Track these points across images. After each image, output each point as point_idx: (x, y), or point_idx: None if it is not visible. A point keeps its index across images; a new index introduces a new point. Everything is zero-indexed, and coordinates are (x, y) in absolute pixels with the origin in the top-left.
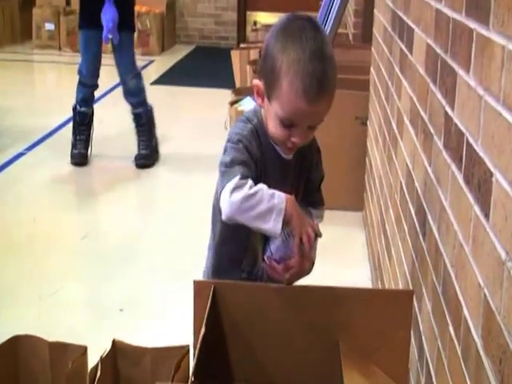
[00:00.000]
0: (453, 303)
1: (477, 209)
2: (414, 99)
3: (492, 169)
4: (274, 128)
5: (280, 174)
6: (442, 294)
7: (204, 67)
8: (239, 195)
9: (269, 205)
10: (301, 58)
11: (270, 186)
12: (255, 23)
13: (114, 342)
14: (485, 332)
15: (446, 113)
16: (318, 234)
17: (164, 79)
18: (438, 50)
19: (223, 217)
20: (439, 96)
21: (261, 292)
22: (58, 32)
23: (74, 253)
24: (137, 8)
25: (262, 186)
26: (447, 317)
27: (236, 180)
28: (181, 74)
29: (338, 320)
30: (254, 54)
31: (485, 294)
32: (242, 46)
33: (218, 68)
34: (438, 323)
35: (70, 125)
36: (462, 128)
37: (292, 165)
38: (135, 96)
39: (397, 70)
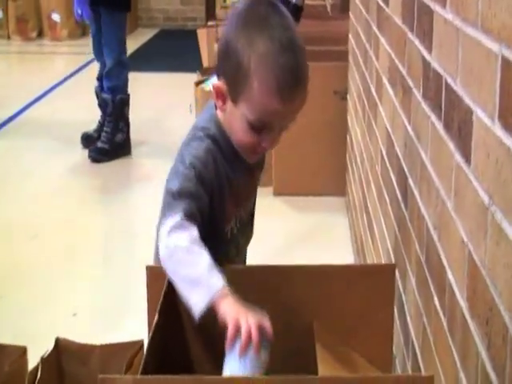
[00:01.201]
0: (436, 270)
1: (458, 157)
2: (392, 55)
3: (472, 106)
4: (240, 133)
5: (247, 183)
6: (426, 262)
7: (169, 51)
8: (177, 240)
9: (203, 275)
10: (270, 50)
11: (238, 200)
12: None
13: (57, 340)
14: (470, 292)
15: (423, 59)
16: (267, 337)
17: None
18: None
19: (160, 256)
20: (417, 43)
21: (225, 273)
22: (7, 19)
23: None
24: None
25: (204, 252)
26: (431, 287)
27: (177, 219)
28: (143, 59)
29: (312, 300)
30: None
31: (469, 251)
32: (209, 24)
33: (185, 51)
34: (422, 297)
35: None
36: (440, 70)
37: (254, 170)
38: (110, 80)
39: (374, 27)
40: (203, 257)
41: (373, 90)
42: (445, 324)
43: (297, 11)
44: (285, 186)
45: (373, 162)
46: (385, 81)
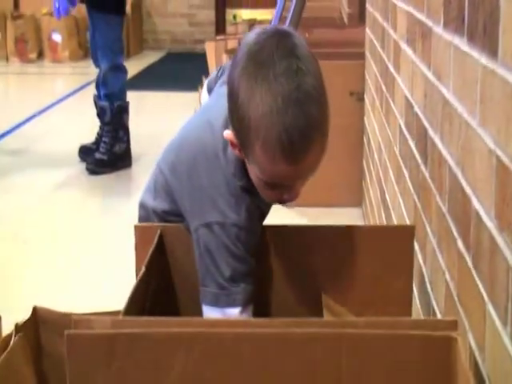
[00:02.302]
0: (460, 208)
1: (484, 60)
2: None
3: None
4: (259, 187)
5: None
6: (448, 211)
7: (176, 73)
8: None
9: None
10: (270, 109)
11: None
12: (234, 17)
13: (34, 309)
14: (498, 208)
15: None
16: None
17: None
18: None
19: None
20: None
21: None
22: (5, 40)
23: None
24: None
25: None
26: (454, 233)
27: (237, 312)
28: (148, 79)
29: (320, 267)
30: (232, 44)
31: (496, 156)
32: (218, 38)
33: (192, 73)
34: (444, 252)
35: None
36: None
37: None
38: (106, 86)
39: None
40: None
41: (391, 59)
42: (470, 263)
43: None
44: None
45: (391, 146)
46: (403, 44)
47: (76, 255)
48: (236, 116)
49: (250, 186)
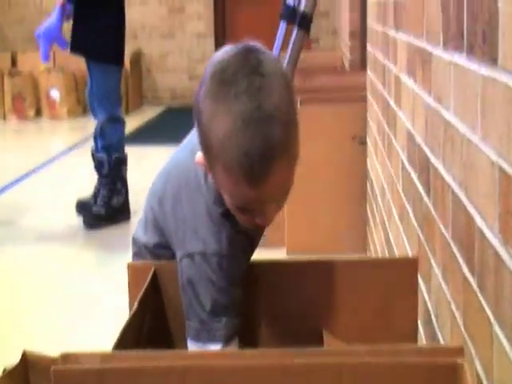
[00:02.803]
0: (464, 230)
1: (484, 71)
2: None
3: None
4: (233, 212)
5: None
6: (452, 238)
7: (176, 127)
8: None
9: None
10: (230, 130)
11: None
12: None
13: (24, 353)
14: (502, 219)
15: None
16: None
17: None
18: None
19: None
20: None
21: None
22: (2, 97)
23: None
24: None
25: None
26: (459, 259)
27: (218, 348)
28: (147, 134)
29: (320, 302)
30: None
31: (500, 168)
32: None
33: (192, 128)
34: (449, 282)
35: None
36: None
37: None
38: (103, 138)
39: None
40: None
41: (392, 101)
42: (475, 286)
43: (306, 21)
44: (299, 243)
45: (393, 184)
46: (403, 76)
47: (72, 307)
48: (201, 138)
49: (231, 212)
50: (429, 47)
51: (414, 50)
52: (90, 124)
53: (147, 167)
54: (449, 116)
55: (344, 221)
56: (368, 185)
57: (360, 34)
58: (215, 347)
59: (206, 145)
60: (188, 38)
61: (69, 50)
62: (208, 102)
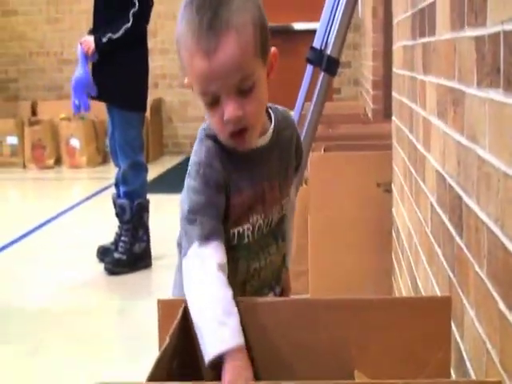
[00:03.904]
0: (502, 267)
1: None
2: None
3: None
4: (210, 119)
5: (254, 169)
6: (487, 274)
7: None
8: (198, 270)
9: (211, 328)
10: (190, 14)
11: (248, 203)
12: None
13: None
14: None
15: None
16: None
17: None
18: None
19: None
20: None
21: (247, 308)
22: (22, 146)
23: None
24: None
25: (226, 293)
26: (495, 296)
27: (195, 248)
28: (168, 183)
29: (351, 341)
30: None
31: None
32: None
33: None
34: (484, 321)
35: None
36: None
37: (266, 154)
38: (126, 184)
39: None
40: (220, 301)
41: (420, 145)
42: None
43: (333, 64)
44: (322, 291)
45: (422, 228)
46: (433, 119)
47: (96, 353)
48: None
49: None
50: (461, 86)
51: (444, 91)
52: (109, 173)
53: (167, 215)
54: (483, 153)
55: (368, 268)
56: (393, 232)
57: (383, 83)
58: (192, 250)
59: (178, 51)
60: None
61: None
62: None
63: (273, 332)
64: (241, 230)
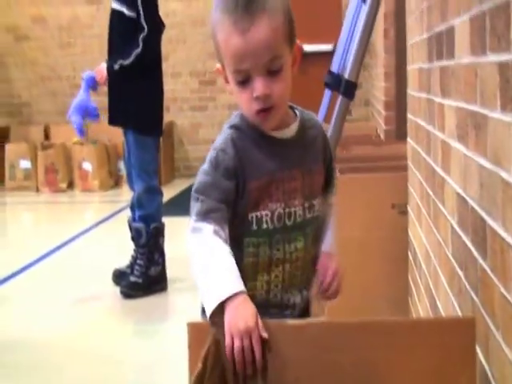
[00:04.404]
0: None
1: None
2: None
3: None
4: (238, 99)
5: (275, 158)
6: None
7: None
8: (195, 239)
9: (214, 282)
10: (224, 3)
11: (272, 190)
12: None
13: None
14: None
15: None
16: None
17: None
18: None
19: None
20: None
21: (273, 330)
22: (35, 170)
23: None
24: None
25: (226, 255)
26: None
27: (192, 223)
28: (180, 205)
29: (374, 362)
30: None
31: None
32: None
33: None
34: (511, 343)
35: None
36: None
37: (289, 146)
38: (141, 208)
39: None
40: (220, 261)
41: (438, 168)
42: None
43: (351, 88)
44: (338, 313)
45: (441, 250)
46: (453, 142)
47: (112, 377)
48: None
49: (243, 123)
50: (483, 110)
51: (464, 115)
52: (122, 196)
53: (179, 238)
54: (507, 176)
55: (384, 289)
56: (410, 254)
57: (395, 104)
58: (190, 224)
59: (214, 37)
60: (219, 110)
61: (107, 123)
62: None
63: (298, 354)
64: (259, 214)
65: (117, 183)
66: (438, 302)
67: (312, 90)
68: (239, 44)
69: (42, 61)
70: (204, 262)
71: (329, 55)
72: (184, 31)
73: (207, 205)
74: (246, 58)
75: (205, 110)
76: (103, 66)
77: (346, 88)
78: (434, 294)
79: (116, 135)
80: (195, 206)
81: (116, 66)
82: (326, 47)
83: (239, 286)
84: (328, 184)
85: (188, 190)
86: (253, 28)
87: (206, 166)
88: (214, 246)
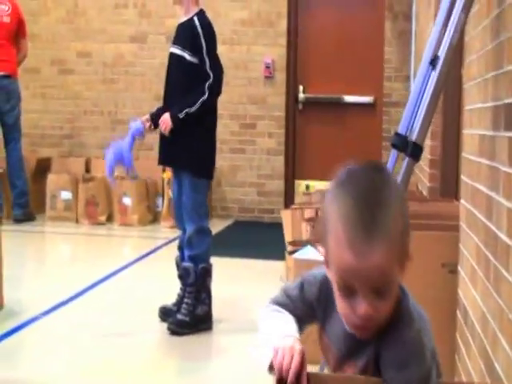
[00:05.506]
0: None
1: None
2: None
3: None
4: (338, 301)
5: (340, 345)
6: None
7: (245, 240)
8: (270, 311)
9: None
10: (347, 205)
11: (330, 347)
12: (307, 187)
13: None
14: None
15: None
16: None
17: None
18: None
19: None
20: None
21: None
22: (76, 202)
23: None
24: (164, 175)
25: (288, 322)
26: None
27: (271, 305)
28: (218, 246)
29: None
30: (309, 213)
31: None
32: (292, 206)
33: (261, 242)
34: None
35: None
36: None
37: (362, 346)
38: (191, 248)
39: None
40: (280, 320)
41: (503, 234)
42: None
43: (417, 150)
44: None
45: (503, 314)
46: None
47: None
48: (321, 223)
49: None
50: None
51: None
52: (159, 232)
53: (218, 278)
54: None
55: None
56: (459, 313)
57: (441, 163)
58: (270, 303)
59: (323, 223)
60: (258, 154)
61: (160, 163)
62: (332, 189)
63: None
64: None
65: (155, 219)
66: (495, 364)
67: (348, 139)
68: (351, 263)
69: (85, 95)
70: (265, 325)
71: (369, 107)
72: (227, 74)
73: (282, 299)
74: (355, 278)
75: (244, 152)
76: (166, 116)
77: (413, 150)
78: (492, 356)
79: (155, 172)
80: (276, 297)
81: (181, 115)
82: (365, 99)
83: (291, 330)
84: None
85: (224, 231)
86: (370, 253)
87: (294, 283)
88: (281, 310)
